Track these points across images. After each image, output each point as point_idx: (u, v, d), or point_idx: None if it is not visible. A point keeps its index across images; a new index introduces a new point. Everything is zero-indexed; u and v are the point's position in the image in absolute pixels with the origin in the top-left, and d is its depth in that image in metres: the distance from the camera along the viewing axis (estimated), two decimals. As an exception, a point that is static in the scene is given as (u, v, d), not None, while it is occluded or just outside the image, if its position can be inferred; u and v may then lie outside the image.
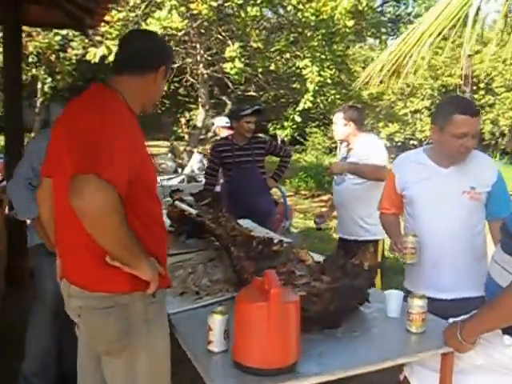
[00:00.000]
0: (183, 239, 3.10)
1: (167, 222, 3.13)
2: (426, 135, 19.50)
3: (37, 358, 2.51)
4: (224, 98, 13.91)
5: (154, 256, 1.57)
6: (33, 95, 11.87)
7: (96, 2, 4.22)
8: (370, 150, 3.32)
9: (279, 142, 18.73)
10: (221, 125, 7.44)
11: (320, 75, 7.68)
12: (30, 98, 12.43)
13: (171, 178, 8.27)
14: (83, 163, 1.38)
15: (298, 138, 16.96)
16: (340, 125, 3.43)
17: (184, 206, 2.77)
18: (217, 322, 1.60)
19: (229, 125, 7.82)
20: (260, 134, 12.66)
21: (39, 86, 11.09)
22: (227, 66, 7.63)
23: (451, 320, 1.81)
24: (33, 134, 8.08)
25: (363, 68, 13.87)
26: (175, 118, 22.11)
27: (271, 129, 18.01)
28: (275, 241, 2.30)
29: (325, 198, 12.30)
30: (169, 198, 3.39)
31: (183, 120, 21.05)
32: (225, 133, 7.75)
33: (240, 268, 2.07)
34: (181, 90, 16.73)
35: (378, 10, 16.92)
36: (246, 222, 3.66)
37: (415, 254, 2.13)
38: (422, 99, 19.48)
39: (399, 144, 21.65)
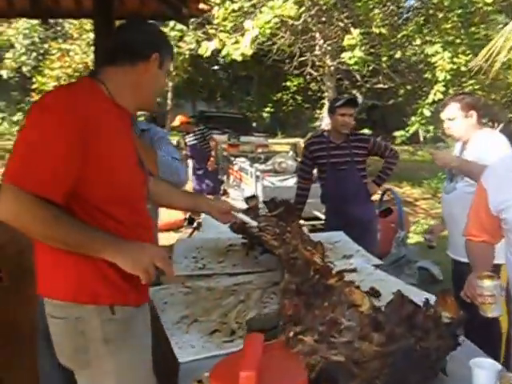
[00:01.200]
0: (257, 254, 2.73)
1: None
2: None
3: None
4: (354, 91, 13.23)
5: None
6: None
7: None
8: (487, 149, 2.62)
9: (421, 139, 17.47)
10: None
11: (453, 62, 6.71)
12: None
13: (286, 179, 7.92)
14: (7, 170, 1.37)
15: (439, 134, 15.66)
16: (460, 118, 2.73)
17: (242, 217, 2.38)
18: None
19: None
20: (401, 132, 11.78)
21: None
22: (346, 55, 7.03)
23: None
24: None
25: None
26: (311, 114, 21.83)
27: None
28: (334, 271, 1.80)
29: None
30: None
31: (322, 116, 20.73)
32: None
33: (281, 306, 1.63)
34: (312, 85, 16.37)
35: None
36: (337, 236, 3.16)
37: (495, 304, 1.49)
38: None
39: None
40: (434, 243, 3.15)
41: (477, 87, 8.17)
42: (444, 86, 7.00)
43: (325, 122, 6.31)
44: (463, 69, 6.94)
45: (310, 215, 7.37)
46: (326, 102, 10.91)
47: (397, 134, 10.93)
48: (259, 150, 11.42)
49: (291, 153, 10.03)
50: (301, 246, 2.15)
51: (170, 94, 14.07)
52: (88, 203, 1.43)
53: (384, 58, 8.18)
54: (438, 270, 5.20)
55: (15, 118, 12.40)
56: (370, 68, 8.43)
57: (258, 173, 7.25)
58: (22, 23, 11.05)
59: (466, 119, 2.71)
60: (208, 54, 7.35)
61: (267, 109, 21.55)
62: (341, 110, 3.51)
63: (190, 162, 7.82)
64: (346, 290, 1.51)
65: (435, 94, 7.11)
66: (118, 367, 1.47)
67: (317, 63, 10.38)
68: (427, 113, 7.74)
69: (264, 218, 2.51)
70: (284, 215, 2.54)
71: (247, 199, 2.94)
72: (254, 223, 2.32)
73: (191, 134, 7.57)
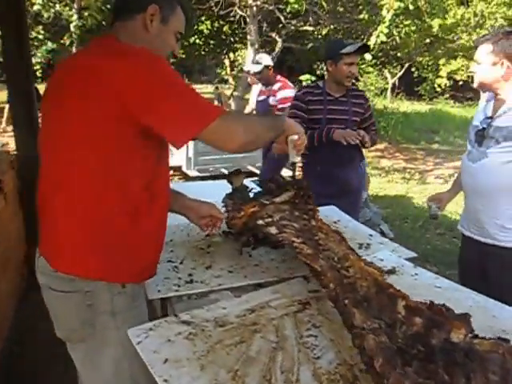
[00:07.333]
0: (249, 249, 2.05)
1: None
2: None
3: None
4: (274, 34, 12.44)
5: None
6: (59, 37, 10.63)
7: None
8: None
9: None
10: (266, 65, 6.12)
11: (400, 0, 6.14)
12: (55, 39, 11.17)
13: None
14: (196, 120, 1.36)
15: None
16: (486, 64, 2.19)
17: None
18: None
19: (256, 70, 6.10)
20: (306, 76, 11.25)
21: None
22: (286, -7, 6.21)
23: None
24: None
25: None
26: (220, 60, 20.56)
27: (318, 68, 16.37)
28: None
29: (381, 146, 10.96)
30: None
31: (227, 61, 19.61)
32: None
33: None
34: (225, 28, 15.24)
35: None
36: (332, 212, 2.53)
37: None
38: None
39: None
40: (439, 212, 2.65)
41: (413, 28, 7.75)
42: (387, 27, 6.44)
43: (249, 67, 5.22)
44: (411, 7, 6.40)
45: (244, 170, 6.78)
46: (249, 47, 10.07)
47: (302, 77, 10.43)
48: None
49: (216, 102, 9.22)
50: (353, 255, 1.49)
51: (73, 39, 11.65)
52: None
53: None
54: (386, 227, 4.83)
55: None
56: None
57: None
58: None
59: (494, 68, 2.17)
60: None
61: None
62: (349, 59, 2.83)
63: None
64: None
65: (378, 36, 6.54)
66: (120, 338, 1.46)
67: (243, 3, 9.38)
68: (368, 56, 7.14)
69: (273, 206, 1.80)
70: (299, 199, 1.84)
71: (230, 176, 2.21)
72: (274, 230, 1.64)
73: None
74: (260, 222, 1.70)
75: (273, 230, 1.65)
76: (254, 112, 5.47)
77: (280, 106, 4.80)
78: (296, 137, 1.69)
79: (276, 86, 4.91)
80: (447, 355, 1.01)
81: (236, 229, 1.87)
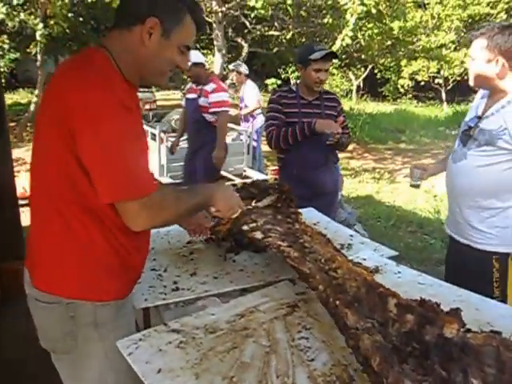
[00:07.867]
0: (231, 254, 2.05)
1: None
2: (453, 72, 17.92)
3: None
4: (239, 40, 12.49)
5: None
6: (24, 45, 10.29)
7: None
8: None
9: (292, 84, 17.42)
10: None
11: (363, 4, 6.26)
12: (20, 47, 10.83)
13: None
14: (117, 190, 1.29)
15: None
16: (481, 59, 2.08)
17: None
18: None
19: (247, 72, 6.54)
20: (272, 80, 11.25)
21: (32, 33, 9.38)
22: (252, -2, 6.23)
23: None
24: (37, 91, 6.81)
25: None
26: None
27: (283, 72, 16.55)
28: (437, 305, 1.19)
29: (350, 147, 11.06)
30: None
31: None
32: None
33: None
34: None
35: None
36: (311, 214, 2.56)
37: None
38: (448, 32, 17.29)
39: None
40: (419, 182, 2.59)
41: (376, 31, 7.91)
42: (352, 30, 6.56)
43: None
44: (373, 11, 6.54)
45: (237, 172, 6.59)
46: (217, 52, 10.07)
47: (268, 81, 10.47)
48: (147, 107, 10.35)
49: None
50: (341, 257, 1.51)
51: (39, 47, 10.95)
52: None
53: (289, 1, 7.44)
54: (360, 227, 4.88)
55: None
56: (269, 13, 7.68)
57: (162, 134, 6.35)
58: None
59: (489, 65, 2.07)
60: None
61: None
62: (316, 65, 2.87)
63: None
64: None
65: (343, 40, 6.64)
66: (105, 350, 1.45)
67: (208, 9, 9.37)
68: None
69: (256, 211, 1.81)
70: (282, 203, 1.86)
71: (212, 182, 2.20)
72: (260, 235, 1.64)
73: None
74: (245, 227, 1.70)
75: (258, 234, 1.66)
76: (185, 110, 5.05)
77: (212, 110, 4.53)
78: (213, 209, 1.59)
79: (209, 88, 4.57)
80: (442, 351, 1.03)
81: (220, 235, 1.87)
